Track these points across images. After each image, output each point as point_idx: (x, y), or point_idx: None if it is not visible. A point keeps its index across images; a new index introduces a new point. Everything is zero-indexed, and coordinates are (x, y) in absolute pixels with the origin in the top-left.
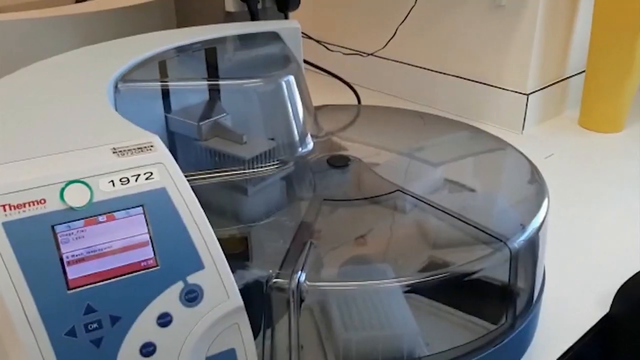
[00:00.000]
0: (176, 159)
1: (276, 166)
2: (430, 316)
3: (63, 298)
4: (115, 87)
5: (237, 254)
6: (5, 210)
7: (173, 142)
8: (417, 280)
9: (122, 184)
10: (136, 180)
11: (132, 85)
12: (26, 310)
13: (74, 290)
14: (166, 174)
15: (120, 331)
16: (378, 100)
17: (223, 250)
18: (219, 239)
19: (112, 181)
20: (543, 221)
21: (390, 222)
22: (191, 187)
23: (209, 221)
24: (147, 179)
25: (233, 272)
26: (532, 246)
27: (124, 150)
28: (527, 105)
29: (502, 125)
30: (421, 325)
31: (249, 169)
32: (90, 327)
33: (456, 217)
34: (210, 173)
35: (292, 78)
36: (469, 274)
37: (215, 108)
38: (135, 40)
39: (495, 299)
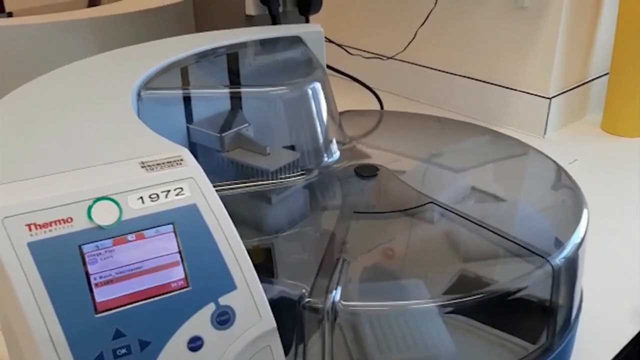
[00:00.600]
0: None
1: (301, 176)
2: (468, 335)
3: (91, 322)
4: (138, 95)
5: (260, 266)
6: (30, 230)
7: (195, 152)
8: (456, 300)
9: (151, 200)
10: (166, 197)
11: (155, 92)
12: (52, 336)
13: (102, 314)
14: (197, 190)
15: (150, 356)
16: (398, 104)
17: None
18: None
19: (141, 198)
20: (584, 235)
21: (424, 235)
22: None
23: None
24: (177, 195)
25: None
26: (574, 262)
27: (153, 165)
28: (549, 109)
29: (523, 129)
30: (458, 345)
31: (273, 179)
32: (119, 352)
33: (495, 232)
34: (234, 183)
35: (318, 85)
36: (511, 293)
37: (237, 118)
38: (156, 45)
39: (535, 317)
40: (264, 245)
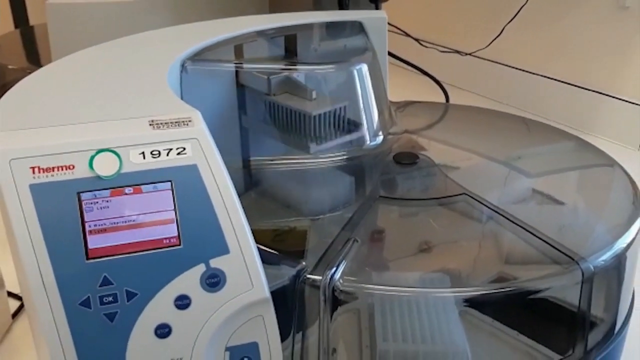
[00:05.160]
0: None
1: (340, 156)
2: (486, 336)
3: (81, 266)
4: (182, 65)
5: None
6: (34, 173)
7: (244, 101)
8: (470, 294)
9: (152, 156)
10: (167, 155)
11: (201, 64)
12: (43, 275)
13: (92, 260)
14: (199, 151)
15: (136, 308)
16: (474, 103)
17: (279, 242)
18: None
19: (142, 153)
20: (632, 241)
21: (450, 227)
22: (249, 169)
23: (265, 208)
24: (179, 154)
25: (267, 262)
26: (616, 269)
27: (161, 123)
28: None
29: (616, 139)
30: (473, 345)
31: (313, 157)
32: (106, 299)
33: (527, 230)
34: (272, 158)
35: (364, 67)
36: (532, 292)
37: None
38: (216, 23)
39: (565, 325)
40: (288, 228)
